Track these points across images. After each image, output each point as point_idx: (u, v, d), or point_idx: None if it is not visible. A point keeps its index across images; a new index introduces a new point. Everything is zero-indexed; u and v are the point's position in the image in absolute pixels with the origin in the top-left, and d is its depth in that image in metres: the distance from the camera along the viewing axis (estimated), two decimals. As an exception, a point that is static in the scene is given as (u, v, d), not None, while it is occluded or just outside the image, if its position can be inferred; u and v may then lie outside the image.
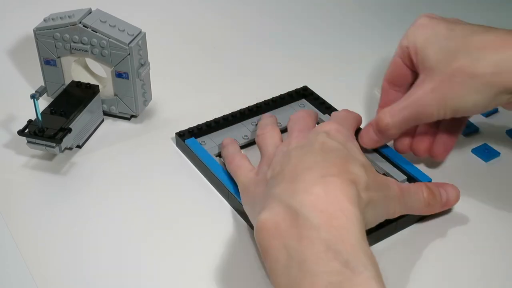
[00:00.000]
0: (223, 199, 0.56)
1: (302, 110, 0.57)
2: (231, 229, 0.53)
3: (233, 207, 0.55)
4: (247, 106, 0.65)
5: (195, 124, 0.62)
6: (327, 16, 0.85)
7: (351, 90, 0.70)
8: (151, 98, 0.66)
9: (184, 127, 0.63)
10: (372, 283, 0.39)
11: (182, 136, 0.61)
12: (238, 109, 0.64)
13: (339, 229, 0.41)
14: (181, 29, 0.82)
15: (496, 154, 0.61)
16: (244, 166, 0.54)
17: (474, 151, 0.62)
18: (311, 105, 0.66)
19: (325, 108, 0.65)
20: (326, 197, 0.43)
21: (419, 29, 0.55)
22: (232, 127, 0.63)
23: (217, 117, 0.63)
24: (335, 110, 0.64)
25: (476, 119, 0.66)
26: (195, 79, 0.72)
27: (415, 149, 0.58)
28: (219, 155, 0.60)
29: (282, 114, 0.65)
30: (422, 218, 0.54)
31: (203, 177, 0.59)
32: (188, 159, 0.60)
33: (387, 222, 0.51)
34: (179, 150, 0.62)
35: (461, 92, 0.51)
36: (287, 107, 0.66)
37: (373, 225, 0.49)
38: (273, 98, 0.66)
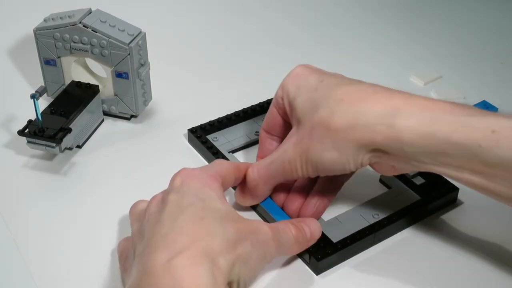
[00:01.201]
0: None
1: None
2: None
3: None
4: (248, 106, 0.65)
5: (195, 124, 0.62)
6: (330, 16, 0.85)
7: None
8: (151, 98, 0.66)
9: (184, 127, 0.63)
10: None
11: (195, 133, 0.61)
12: (241, 109, 0.64)
13: None
14: (181, 29, 0.82)
15: None
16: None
17: None
18: None
19: None
20: None
21: (292, 79, 0.52)
22: (243, 124, 0.64)
23: (228, 113, 0.63)
24: None
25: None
26: (195, 79, 0.72)
27: (285, 208, 0.54)
28: (231, 151, 0.60)
29: None
30: (413, 223, 0.54)
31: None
32: (201, 155, 0.60)
33: (367, 233, 0.51)
34: (179, 150, 0.62)
35: (319, 147, 0.48)
36: None
37: (253, 279, 0.47)
38: None
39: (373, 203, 0.55)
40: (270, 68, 0.75)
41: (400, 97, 0.46)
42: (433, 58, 0.77)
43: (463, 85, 0.73)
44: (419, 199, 0.55)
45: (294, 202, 0.53)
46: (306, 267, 0.50)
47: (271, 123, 0.55)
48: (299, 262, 0.50)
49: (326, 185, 0.53)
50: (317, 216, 0.53)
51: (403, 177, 0.57)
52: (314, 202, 0.53)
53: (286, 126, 0.54)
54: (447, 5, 0.88)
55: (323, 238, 0.50)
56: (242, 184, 0.53)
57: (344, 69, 0.74)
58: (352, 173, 0.53)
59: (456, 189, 0.55)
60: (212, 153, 0.58)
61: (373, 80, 0.74)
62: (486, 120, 0.43)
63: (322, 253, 0.49)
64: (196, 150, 0.61)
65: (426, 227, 0.54)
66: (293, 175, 0.50)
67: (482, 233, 0.53)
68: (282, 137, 0.55)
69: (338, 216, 0.53)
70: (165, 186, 0.57)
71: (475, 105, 0.67)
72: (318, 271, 0.49)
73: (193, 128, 0.62)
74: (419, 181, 0.57)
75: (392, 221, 0.52)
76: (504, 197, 0.44)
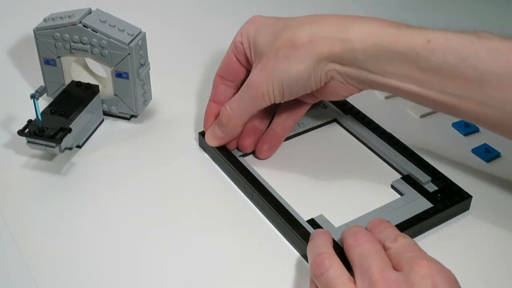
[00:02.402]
0: (247, 199, 0.56)
1: (357, 227, 0.48)
2: (256, 230, 0.54)
3: (257, 207, 0.55)
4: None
5: (195, 124, 0.62)
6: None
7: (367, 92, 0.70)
8: (151, 98, 0.66)
9: (184, 127, 0.64)
10: None
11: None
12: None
13: None
14: (181, 29, 0.82)
15: (496, 154, 0.61)
16: (338, 276, 0.44)
17: (474, 151, 0.62)
18: (332, 105, 0.66)
19: (348, 109, 0.65)
20: None
21: (251, 24, 0.58)
22: None
23: None
24: (358, 111, 0.64)
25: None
26: (195, 79, 0.72)
27: (240, 144, 0.59)
28: (243, 155, 0.60)
29: (305, 114, 0.64)
30: (425, 230, 0.54)
31: (216, 177, 0.59)
32: (212, 158, 0.60)
33: None
34: (179, 150, 0.62)
35: (284, 65, 0.53)
36: (310, 108, 0.65)
37: None
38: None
39: (385, 209, 0.54)
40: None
41: (351, 17, 0.54)
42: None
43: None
44: (432, 206, 0.54)
45: (248, 138, 0.59)
46: None
47: (226, 68, 0.60)
48: (309, 269, 0.50)
49: (281, 123, 0.60)
50: (271, 152, 0.60)
51: (416, 184, 0.56)
52: (269, 138, 0.60)
53: (241, 72, 0.59)
54: (447, 5, 0.88)
55: (334, 244, 0.50)
56: (213, 125, 0.58)
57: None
58: (306, 107, 0.61)
59: (469, 197, 0.55)
60: (226, 157, 0.58)
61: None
62: (423, 32, 0.50)
63: None
64: (206, 152, 0.61)
65: (438, 235, 0.53)
66: (261, 102, 0.55)
67: (495, 242, 0.53)
68: (236, 83, 0.60)
69: (348, 223, 0.53)
70: (165, 185, 0.58)
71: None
72: None
73: (203, 131, 0.61)
74: (431, 188, 0.56)
75: (404, 228, 0.51)
76: (434, 101, 0.50)
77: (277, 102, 0.55)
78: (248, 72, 0.59)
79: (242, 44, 0.58)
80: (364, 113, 0.64)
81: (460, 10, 0.87)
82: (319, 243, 0.47)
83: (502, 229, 0.54)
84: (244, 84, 0.56)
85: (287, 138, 0.62)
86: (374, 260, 0.43)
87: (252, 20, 0.58)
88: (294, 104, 0.60)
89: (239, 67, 0.59)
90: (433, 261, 0.43)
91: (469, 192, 0.55)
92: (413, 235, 0.52)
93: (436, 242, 0.53)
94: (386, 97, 0.69)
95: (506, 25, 0.84)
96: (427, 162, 0.58)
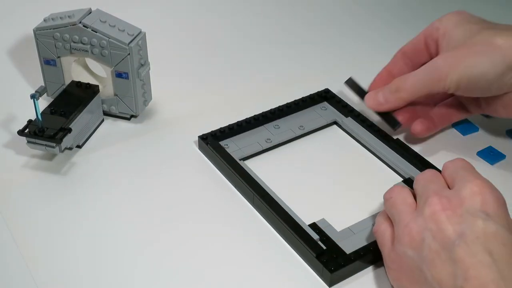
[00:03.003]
0: (247, 202, 0.56)
1: (429, 171, 0.50)
2: (256, 234, 0.53)
3: (258, 211, 0.55)
4: (248, 106, 0.65)
5: (195, 124, 0.62)
6: (330, 16, 0.85)
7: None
8: (151, 98, 0.66)
9: (184, 127, 0.64)
10: None
11: (205, 140, 0.60)
12: (243, 109, 0.64)
13: None
14: (181, 29, 0.82)
15: (501, 156, 0.61)
16: (403, 198, 0.48)
17: (480, 154, 0.62)
18: (333, 108, 0.66)
19: (348, 111, 0.65)
20: None
21: (456, 15, 0.59)
22: (254, 130, 0.63)
23: (239, 120, 0.62)
24: (358, 113, 0.64)
25: (476, 119, 0.66)
26: (195, 79, 0.72)
27: (399, 115, 0.61)
28: (243, 159, 0.59)
29: (304, 117, 0.64)
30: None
31: (216, 181, 0.58)
32: (211, 162, 0.60)
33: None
34: (180, 150, 0.62)
35: (474, 59, 0.54)
36: (309, 110, 0.66)
37: None
38: (295, 100, 0.65)
39: None
40: (271, 68, 0.75)
41: None
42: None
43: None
44: None
45: (404, 114, 0.61)
46: (319, 278, 0.50)
47: (413, 47, 0.62)
48: (312, 274, 0.50)
49: (439, 115, 0.62)
50: (427, 132, 0.62)
51: None
52: (430, 119, 0.61)
53: (424, 56, 0.61)
54: (447, 5, 0.88)
55: (336, 249, 0.50)
56: (376, 91, 0.60)
57: (344, 68, 0.75)
58: (464, 115, 0.63)
59: None
60: (226, 160, 0.58)
61: (372, 80, 0.74)
62: None
63: (335, 265, 0.49)
64: (206, 157, 0.61)
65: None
66: (436, 85, 0.56)
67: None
68: (414, 63, 0.62)
69: (351, 227, 0.53)
70: (164, 186, 0.58)
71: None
72: (331, 282, 0.49)
73: (203, 135, 0.61)
74: None
75: None
76: None
77: (450, 91, 0.56)
78: (430, 58, 0.60)
79: (439, 30, 0.59)
80: (364, 115, 0.64)
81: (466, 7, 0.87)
82: (395, 187, 0.50)
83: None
84: (426, 64, 0.57)
85: (287, 142, 0.62)
86: (432, 185, 0.47)
87: (458, 12, 0.59)
88: (455, 105, 0.62)
89: (424, 50, 0.61)
90: (486, 181, 0.46)
91: None
92: None
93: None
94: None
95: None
96: (429, 164, 0.58)
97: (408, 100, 0.59)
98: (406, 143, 0.61)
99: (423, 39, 0.61)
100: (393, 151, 0.60)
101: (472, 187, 0.45)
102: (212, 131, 0.61)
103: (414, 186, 0.49)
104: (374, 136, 0.62)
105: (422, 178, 0.49)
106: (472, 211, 0.43)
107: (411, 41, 0.62)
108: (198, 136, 0.61)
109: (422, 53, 0.61)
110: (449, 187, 0.47)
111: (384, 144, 0.61)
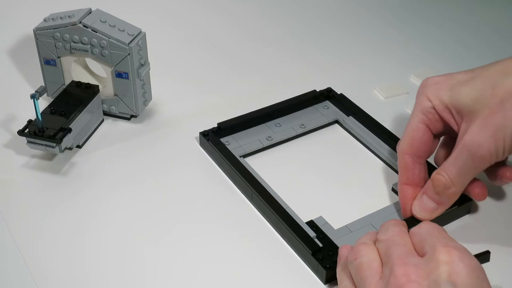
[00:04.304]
0: (246, 200, 0.56)
1: (391, 222, 0.46)
2: (255, 231, 0.53)
3: (256, 208, 0.55)
4: (248, 106, 0.65)
5: (194, 124, 0.62)
6: (331, 16, 0.85)
7: (367, 92, 0.70)
8: (151, 98, 0.66)
9: (184, 127, 0.63)
10: None
11: (206, 136, 0.61)
12: (243, 108, 0.64)
13: None
14: (181, 29, 0.82)
15: None
16: (369, 261, 0.44)
17: None
18: (334, 107, 0.66)
19: (350, 110, 0.65)
20: None
21: (434, 87, 0.52)
22: (256, 128, 0.63)
23: (240, 115, 0.63)
24: (359, 112, 0.64)
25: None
26: (195, 79, 0.72)
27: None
28: (243, 156, 0.60)
29: (306, 115, 0.64)
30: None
31: (216, 177, 0.59)
32: (212, 159, 0.60)
33: None
34: (180, 150, 0.62)
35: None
36: (311, 109, 0.65)
37: None
38: (296, 97, 0.65)
39: (385, 212, 0.54)
40: (271, 68, 0.75)
41: None
42: (433, 58, 0.77)
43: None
44: None
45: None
46: (314, 275, 0.50)
47: (418, 142, 0.53)
48: (307, 271, 0.50)
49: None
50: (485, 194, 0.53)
51: None
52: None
53: (435, 143, 0.54)
54: (447, 5, 0.88)
55: (332, 246, 0.50)
56: (419, 198, 0.52)
57: (344, 68, 0.75)
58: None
59: (469, 200, 0.55)
60: (226, 157, 0.58)
61: (373, 80, 0.75)
62: None
63: (331, 262, 0.49)
64: (207, 153, 0.61)
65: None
66: (486, 162, 0.49)
67: (495, 245, 0.53)
68: (425, 157, 0.54)
69: (348, 225, 0.53)
70: (164, 186, 0.58)
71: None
72: (326, 279, 0.49)
73: (205, 131, 0.61)
74: None
75: None
76: None
77: (503, 158, 0.50)
78: (437, 141, 0.54)
79: (435, 109, 0.52)
80: (367, 114, 0.64)
81: (461, 10, 0.87)
82: (365, 236, 0.46)
83: (503, 233, 0.54)
84: (459, 147, 0.50)
85: (288, 140, 0.62)
86: (398, 248, 0.43)
87: (432, 83, 0.53)
88: None
89: (432, 137, 0.53)
90: (456, 247, 0.41)
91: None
92: None
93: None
94: (387, 97, 0.69)
95: (506, 25, 0.84)
96: (429, 164, 0.58)
97: (462, 190, 0.51)
98: None
99: (424, 128, 0.53)
100: (394, 151, 0.60)
101: (440, 256, 0.41)
102: (213, 128, 0.61)
103: (377, 244, 0.45)
104: (375, 136, 0.62)
105: (385, 239, 0.44)
106: (439, 281, 0.40)
107: (410, 138, 0.53)
108: (200, 132, 0.61)
109: (431, 142, 0.54)
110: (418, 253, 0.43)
111: (384, 144, 0.61)
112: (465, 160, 0.49)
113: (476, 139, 0.49)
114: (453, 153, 0.50)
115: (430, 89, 0.52)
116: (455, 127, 0.52)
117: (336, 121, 0.65)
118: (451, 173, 0.50)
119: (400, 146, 0.54)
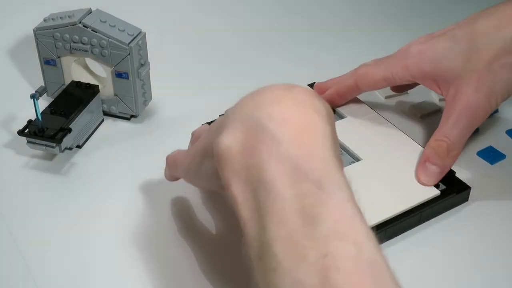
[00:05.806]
0: None
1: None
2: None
3: None
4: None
5: (195, 124, 0.62)
6: (331, 16, 0.85)
7: (367, 92, 0.69)
8: (151, 98, 0.66)
9: (184, 127, 0.63)
10: (347, 205, 0.34)
11: None
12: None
13: (309, 145, 0.37)
14: (181, 29, 0.82)
15: (501, 156, 0.61)
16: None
17: (480, 153, 0.61)
18: None
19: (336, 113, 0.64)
20: (294, 107, 0.38)
21: (419, 57, 0.56)
22: None
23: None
24: (343, 115, 0.64)
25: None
26: (195, 79, 0.72)
27: None
28: None
29: None
30: (425, 220, 0.54)
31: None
32: None
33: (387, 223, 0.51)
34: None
35: (507, 75, 0.52)
36: None
37: None
38: None
39: None
40: (270, 68, 0.75)
41: None
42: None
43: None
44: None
45: None
46: None
47: (372, 87, 0.60)
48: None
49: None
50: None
51: None
52: None
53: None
54: (446, 5, 0.88)
55: None
56: (422, 164, 0.54)
57: (344, 68, 0.75)
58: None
59: (468, 188, 0.55)
60: None
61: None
62: None
63: None
64: None
65: (437, 226, 0.53)
66: (481, 120, 0.54)
67: (493, 232, 0.53)
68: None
69: None
70: (164, 185, 0.58)
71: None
72: None
73: None
74: None
75: (403, 218, 0.51)
76: None
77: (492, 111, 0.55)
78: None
79: (411, 77, 0.57)
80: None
81: (461, 11, 0.87)
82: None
83: (502, 221, 0.54)
84: (459, 110, 0.54)
85: None
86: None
87: (415, 52, 0.56)
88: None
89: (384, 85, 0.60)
90: None
91: (475, 195, 0.55)
92: (412, 225, 0.53)
93: (435, 232, 0.53)
94: (386, 97, 0.69)
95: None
96: None
97: (459, 153, 0.55)
98: None
99: (384, 84, 0.60)
100: None
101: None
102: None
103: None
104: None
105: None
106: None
107: (367, 81, 0.60)
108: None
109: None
110: None
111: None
112: (466, 122, 0.54)
113: (474, 102, 0.53)
114: (449, 118, 0.54)
115: (412, 61, 0.56)
116: (437, 90, 0.56)
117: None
118: (452, 136, 0.54)
119: (359, 82, 0.60)
